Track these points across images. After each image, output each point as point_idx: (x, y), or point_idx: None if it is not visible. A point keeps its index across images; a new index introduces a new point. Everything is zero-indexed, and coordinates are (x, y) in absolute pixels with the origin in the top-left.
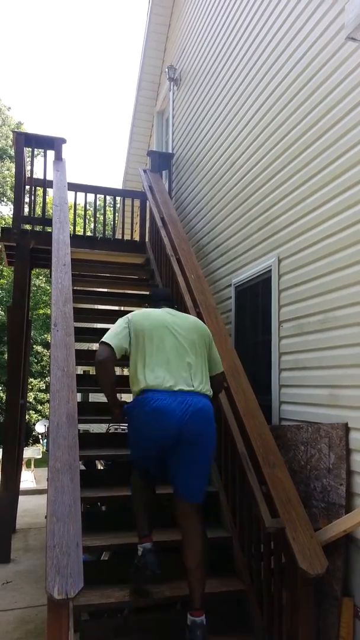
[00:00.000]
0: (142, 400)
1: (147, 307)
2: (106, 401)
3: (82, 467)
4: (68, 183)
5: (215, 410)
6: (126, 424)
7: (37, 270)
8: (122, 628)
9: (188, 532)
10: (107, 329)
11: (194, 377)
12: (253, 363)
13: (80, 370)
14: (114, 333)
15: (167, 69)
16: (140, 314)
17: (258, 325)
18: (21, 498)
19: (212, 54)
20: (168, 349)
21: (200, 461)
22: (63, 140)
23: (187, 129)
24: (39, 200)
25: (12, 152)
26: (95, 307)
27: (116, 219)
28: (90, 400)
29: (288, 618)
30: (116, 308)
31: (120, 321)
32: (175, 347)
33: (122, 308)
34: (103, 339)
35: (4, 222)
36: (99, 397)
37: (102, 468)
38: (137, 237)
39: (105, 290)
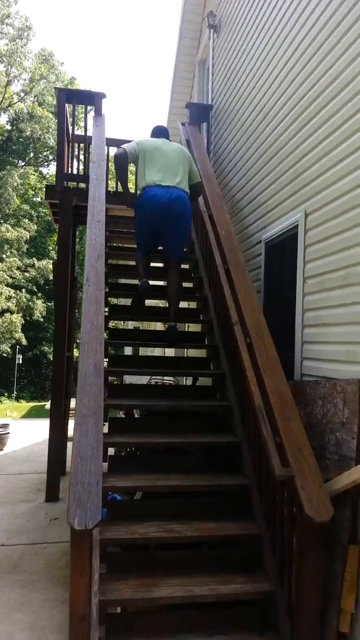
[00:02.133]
0: (143, 193)
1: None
2: (153, 354)
3: (122, 415)
4: (109, 139)
5: (235, 364)
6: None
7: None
8: (146, 561)
9: (170, 275)
10: (154, 286)
11: (177, 179)
12: (279, 319)
13: (130, 325)
14: (128, 145)
15: (207, 16)
16: (145, 140)
17: (285, 282)
18: (69, 444)
19: None
20: (161, 162)
21: (179, 231)
22: (103, 95)
23: (226, 79)
24: (83, 157)
25: None
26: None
27: None
28: (140, 355)
29: (296, 562)
30: (160, 265)
31: (133, 142)
32: (165, 162)
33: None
34: (121, 146)
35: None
36: (147, 351)
37: (137, 417)
38: None
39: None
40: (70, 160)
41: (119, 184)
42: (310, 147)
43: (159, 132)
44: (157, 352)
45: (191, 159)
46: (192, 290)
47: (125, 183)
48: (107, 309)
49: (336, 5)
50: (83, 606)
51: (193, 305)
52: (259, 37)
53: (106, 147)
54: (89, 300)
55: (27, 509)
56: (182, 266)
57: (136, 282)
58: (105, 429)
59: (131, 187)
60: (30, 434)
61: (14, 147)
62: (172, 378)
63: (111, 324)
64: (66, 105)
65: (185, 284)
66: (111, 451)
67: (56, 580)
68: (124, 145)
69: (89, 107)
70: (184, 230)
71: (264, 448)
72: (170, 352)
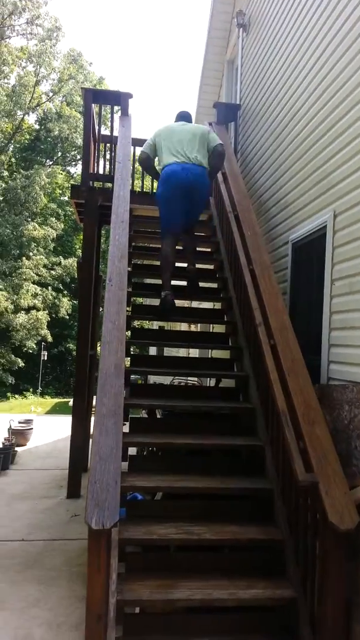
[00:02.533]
0: (163, 171)
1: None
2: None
3: (145, 415)
4: (135, 139)
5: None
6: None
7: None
8: (165, 562)
9: (188, 234)
10: (178, 286)
11: (192, 154)
12: (305, 322)
13: (156, 325)
14: (146, 145)
15: (236, 15)
16: (161, 128)
17: (312, 283)
18: (91, 441)
19: None
20: (175, 142)
21: (198, 199)
22: (129, 95)
23: (254, 78)
24: (109, 156)
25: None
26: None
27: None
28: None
29: (319, 569)
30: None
31: (151, 136)
32: (179, 140)
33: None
34: (142, 149)
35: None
36: (171, 352)
37: (159, 417)
38: None
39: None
40: (96, 160)
41: (144, 183)
42: (340, 147)
43: (181, 117)
44: (181, 352)
45: (208, 133)
46: (217, 291)
47: (151, 173)
48: (130, 309)
49: None
50: (100, 605)
51: (218, 306)
52: (289, 35)
53: (132, 147)
54: (111, 300)
55: (49, 504)
56: (207, 266)
57: (160, 281)
58: (126, 428)
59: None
60: (53, 430)
61: (42, 147)
62: (196, 379)
63: (137, 323)
64: (93, 105)
65: (210, 285)
66: (133, 450)
67: (75, 577)
68: (144, 147)
69: (115, 107)
70: (202, 198)
71: (288, 452)
72: (194, 352)
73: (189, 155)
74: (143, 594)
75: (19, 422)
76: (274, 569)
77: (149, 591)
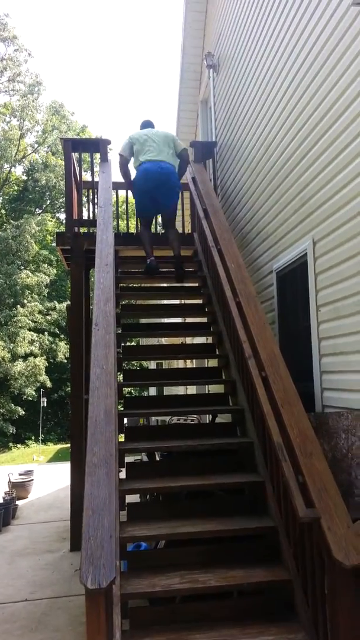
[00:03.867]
0: (141, 167)
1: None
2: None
3: (145, 459)
4: (115, 182)
5: (253, 398)
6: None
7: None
8: (171, 614)
9: (169, 229)
10: (169, 324)
11: (162, 156)
12: (296, 350)
13: (153, 364)
14: (123, 147)
15: (205, 57)
16: (135, 133)
17: (299, 311)
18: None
19: (244, 36)
20: (150, 146)
21: (168, 191)
22: (108, 142)
23: (228, 115)
24: (92, 202)
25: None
26: (148, 303)
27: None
28: (165, 394)
29: (329, 608)
30: (174, 302)
31: (125, 140)
32: (152, 144)
33: (182, 301)
34: (119, 152)
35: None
36: (171, 390)
37: (158, 459)
38: (189, 229)
39: (155, 285)
40: (80, 206)
41: (130, 225)
42: (314, 174)
43: (147, 124)
44: (180, 390)
45: (175, 138)
46: (206, 325)
47: (125, 176)
48: (121, 350)
49: (330, 30)
50: None
51: (209, 340)
52: (256, 72)
53: (113, 192)
54: (98, 344)
55: (52, 559)
56: (196, 301)
57: (154, 320)
58: (123, 474)
59: None
60: (55, 478)
61: (30, 196)
62: (195, 416)
63: (136, 363)
64: (73, 154)
65: (199, 319)
66: (134, 497)
67: (80, 638)
68: (120, 151)
69: (96, 154)
70: (173, 191)
71: (287, 487)
72: (192, 389)
73: (161, 155)
74: None
75: (19, 474)
76: (285, 611)
77: None
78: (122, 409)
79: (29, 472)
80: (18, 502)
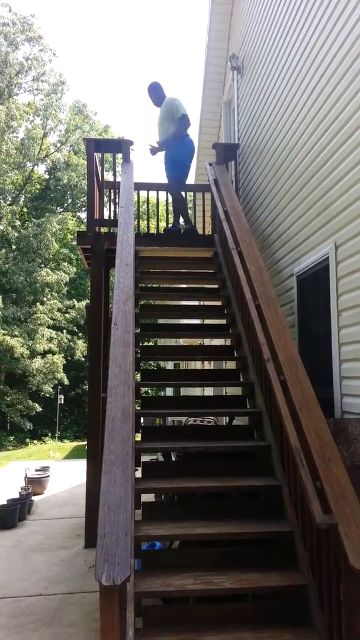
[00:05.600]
0: (186, 139)
1: None
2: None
3: (161, 459)
4: (137, 183)
5: (271, 401)
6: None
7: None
8: (185, 615)
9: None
10: (188, 325)
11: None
12: (315, 354)
13: (170, 365)
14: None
15: (229, 58)
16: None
17: (319, 315)
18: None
19: (269, 38)
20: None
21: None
22: (130, 142)
23: (251, 118)
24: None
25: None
26: (167, 303)
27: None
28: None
29: (345, 616)
30: (193, 303)
31: (184, 106)
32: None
33: (201, 303)
34: (186, 114)
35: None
36: (187, 391)
37: (174, 459)
38: (209, 231)
39: (174, 285)
40: (101, 206)
41: (150, 225)
42: (338, 178)
43: (155, 97)
44: (197, 391)
45: (173, 107)
46: (225, 327)
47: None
48: (139, 350)
49: (358, 32)
50: None
51: (228, 342)
52: (282, 73)
53: (134, 192)
54: (116, 343)
55: (66, 555)
56: (215, 303)
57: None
58: (139, 474)
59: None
60: (71, 475)
61: (52, 195)
62: (212, 417)
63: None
64: (95, 154)
65: (218, 321)
66: (150, 496)
67: (94, 635)
68: (186, 112)
69: (118, 154)
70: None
71: (304, 492)
72: (209, 391)
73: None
74: None
75: (36, 470)
76: (299, 617)
77: None
78: (139, 408)
79: (45, 469)
80: (34, 498)
